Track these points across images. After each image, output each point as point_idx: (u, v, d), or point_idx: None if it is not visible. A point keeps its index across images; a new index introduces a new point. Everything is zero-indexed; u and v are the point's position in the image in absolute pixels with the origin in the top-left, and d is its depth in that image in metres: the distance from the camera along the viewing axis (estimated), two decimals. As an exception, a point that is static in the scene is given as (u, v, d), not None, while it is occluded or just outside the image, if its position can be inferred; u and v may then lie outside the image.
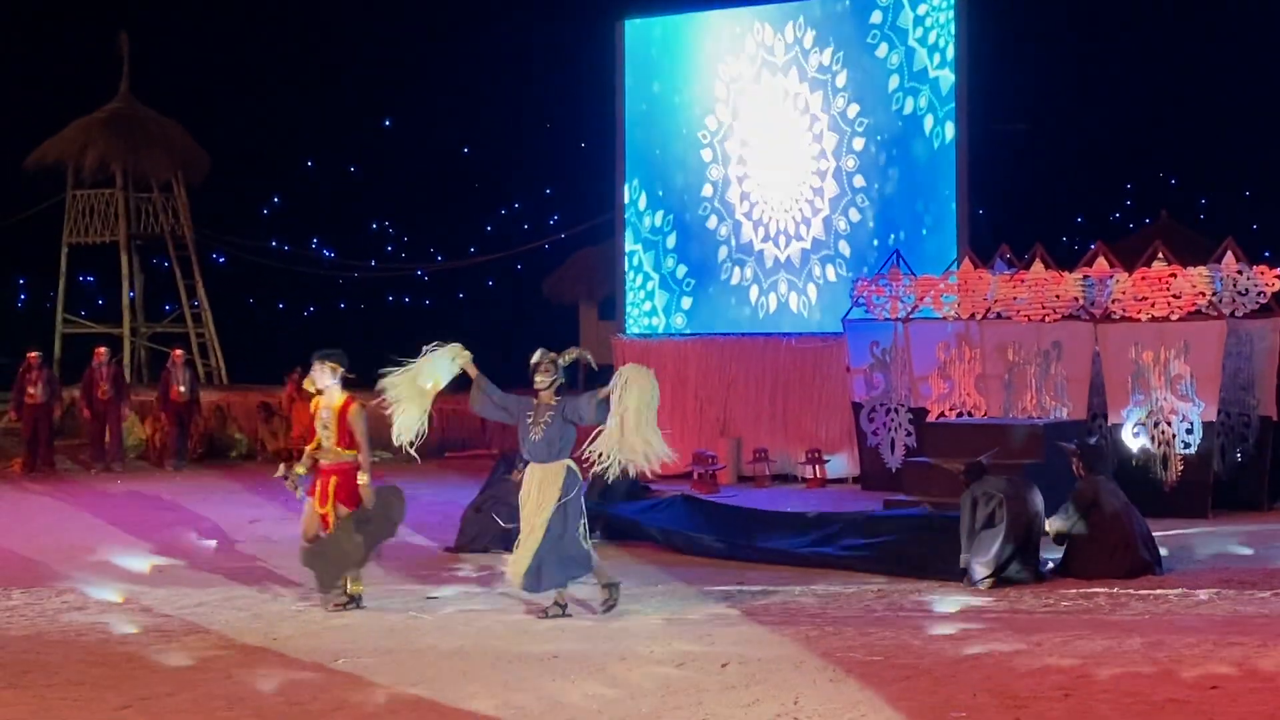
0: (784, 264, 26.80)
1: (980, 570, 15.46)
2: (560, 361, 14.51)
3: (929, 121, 25.48)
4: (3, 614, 14.51)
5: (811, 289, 26.56)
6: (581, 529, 14.21)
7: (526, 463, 14.56)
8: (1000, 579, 15.43)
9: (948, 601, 14.54)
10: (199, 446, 29.65)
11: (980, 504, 15.82)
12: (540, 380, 14.38)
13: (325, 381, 14.50)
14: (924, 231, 25.54)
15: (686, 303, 27.73)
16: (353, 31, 46.42)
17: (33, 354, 28.32)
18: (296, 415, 28.00)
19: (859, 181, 26.16)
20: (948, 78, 25.34)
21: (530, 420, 14.32)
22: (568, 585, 14.36)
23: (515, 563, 14.18)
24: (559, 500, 14.12)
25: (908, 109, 25.72)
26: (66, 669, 12.12)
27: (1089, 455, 17.03)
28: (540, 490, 14.21)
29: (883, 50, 25.96)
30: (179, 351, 29.30)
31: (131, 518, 21.63)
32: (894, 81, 25.84)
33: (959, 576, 15.61)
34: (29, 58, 44.24)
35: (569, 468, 14.28)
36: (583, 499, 14.39)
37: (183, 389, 28.58)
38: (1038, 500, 16.12)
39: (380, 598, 14.93)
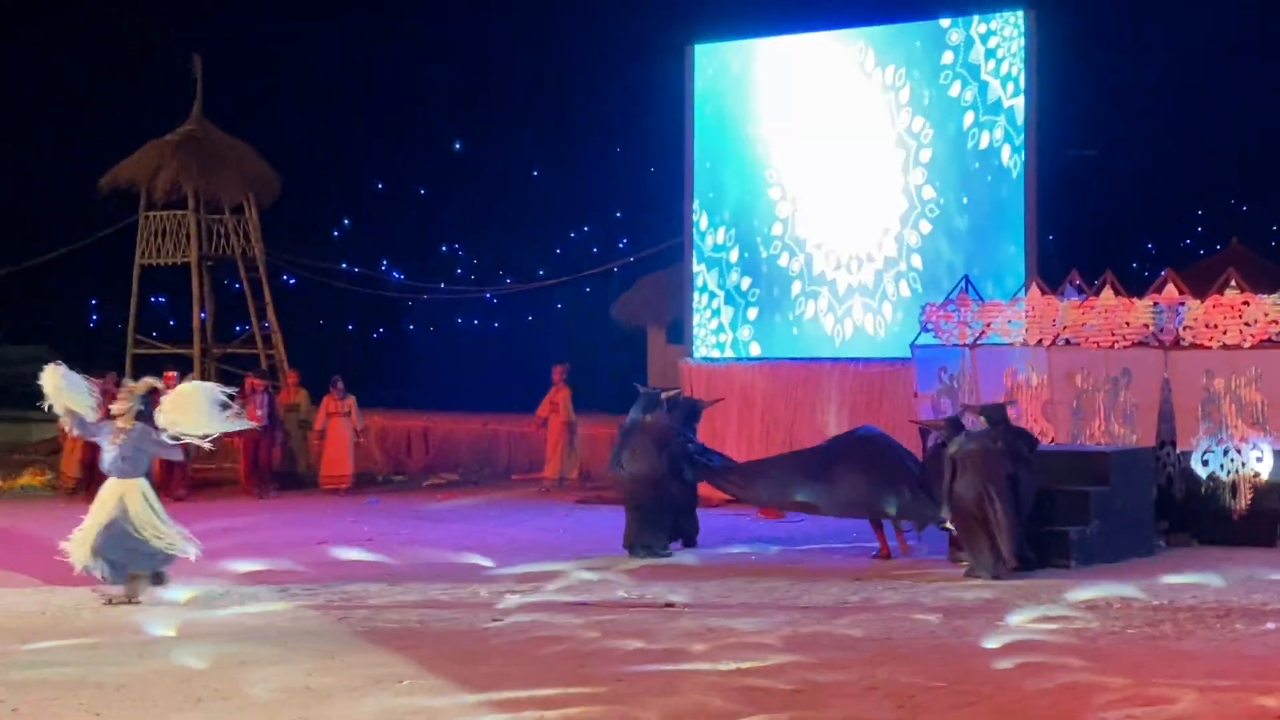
0: (856, 288, 26.81)
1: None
2: (137, 390, 16.90)
3: (1001, 149, 25.46)
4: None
5: (880, 314, 26.55)
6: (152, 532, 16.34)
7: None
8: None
9: (1008, 626, 14.51)
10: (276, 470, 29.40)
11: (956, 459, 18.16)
12: (119, 405, 16.73)
13: None
14: (993, 258, 25.49)
15: (756, 326, 27.74)
16: (423, 55, 46.61)
17: (106, 378, 28.07)
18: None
19: (928, 196, 26.14)
20: (1019, 105, 25.33)
21: (109, 437, 16.59)
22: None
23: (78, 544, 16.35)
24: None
25: (980, 139, 25.70)
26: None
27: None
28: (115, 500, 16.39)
29: (955, 89, 25.98)
30: (258, 380, 29.22)
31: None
32: (968, 115, 25.84)
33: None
34: (104, 80, 44.59)
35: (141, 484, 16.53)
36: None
37: (260, 412, 28.35)
38: (1006, 465, 18.03)
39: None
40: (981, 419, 18.83)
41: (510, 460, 31.30)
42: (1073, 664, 12.73)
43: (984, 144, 25.72)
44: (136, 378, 31.06)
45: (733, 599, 16.39)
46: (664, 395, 21.39)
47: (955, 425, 18.60)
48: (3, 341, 46.80)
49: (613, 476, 22.44)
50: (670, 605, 15.99)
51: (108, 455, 16.63)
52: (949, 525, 18.62)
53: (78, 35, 45.09)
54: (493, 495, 27.97)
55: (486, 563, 18.86)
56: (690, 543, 20.58)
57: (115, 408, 16.77)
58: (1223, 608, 15.56)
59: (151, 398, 17.21)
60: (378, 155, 46.59)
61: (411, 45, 46.68)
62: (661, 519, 20.23)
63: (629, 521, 20.21)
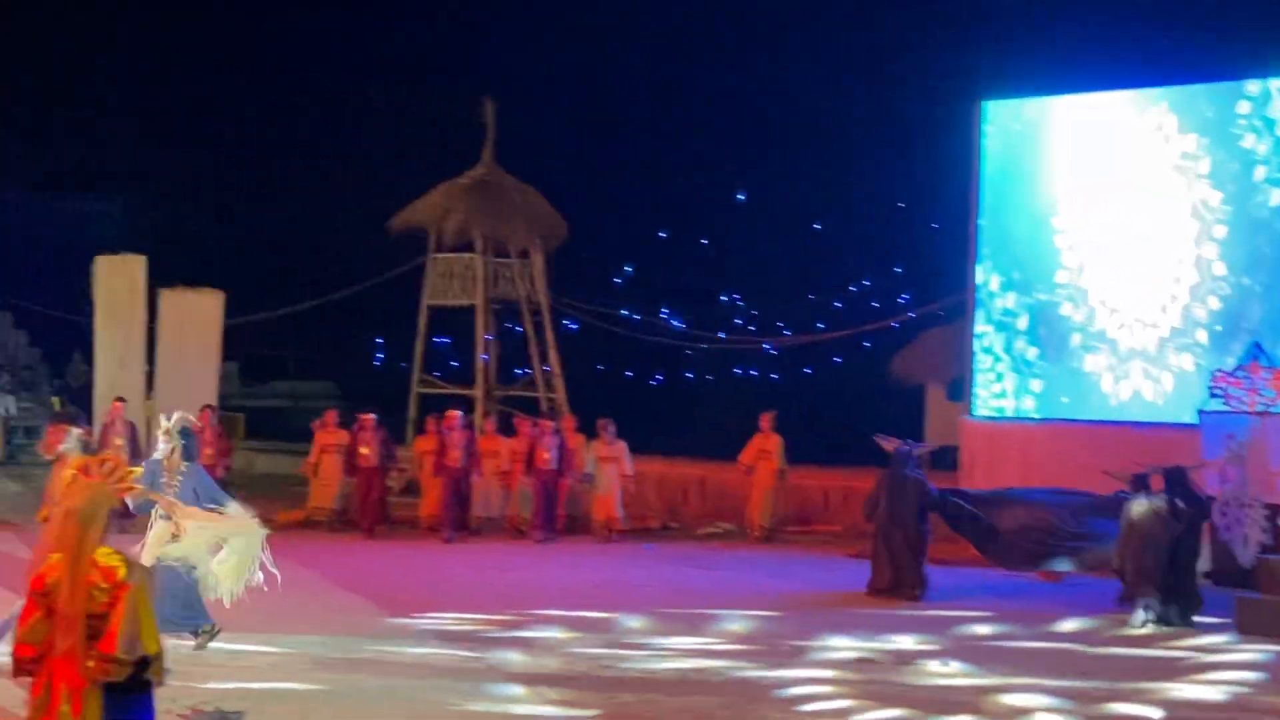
0: (1138, 352, 26.41)
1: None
2: (173, 429, 16.00)
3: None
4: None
5: (1159, 382, 26.14)
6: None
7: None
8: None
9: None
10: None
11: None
12: (163, 448, 16.04)
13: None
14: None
15: (1037, 385, 27.47)
16: (709, 105, 46.96)
17: (367, 415, 28.74)
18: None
19: (1219, 270, 25.69)
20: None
21: (164, 481, 15.74)
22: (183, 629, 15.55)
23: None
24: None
25: (1270, 196, 25.23)
26: None
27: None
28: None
29: (1249, 140, 25.51)
30: (548, 422, 29.38)
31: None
32: (1259, 169, 25.37)
33: None
34: (396, 123, 45.54)
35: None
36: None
37: (548, 454, 28.44)
38: (1172, 528, 19.08)
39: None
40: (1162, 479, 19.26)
41: (785, 511, 31.08)
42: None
43: (1275, 201, 25.23)
44: (420, 418, 31.86)
45: (1008, 667, 16.11)
46: (917, 452, 22.33)
47: (1138, 482, 19.17)
48: (291, 377, 47.95)
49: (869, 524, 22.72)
50: (945, 665, 15.90)
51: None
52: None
53: (372, 79, 46.11)
54: (767, 547, 27.86)
55: (741, 625, 18.67)
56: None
57: (160, 452, 16.14)
58: None
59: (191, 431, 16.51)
60: (663, 204, 47.02)
61: (697, 96, 47.07)
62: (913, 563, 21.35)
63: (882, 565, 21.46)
